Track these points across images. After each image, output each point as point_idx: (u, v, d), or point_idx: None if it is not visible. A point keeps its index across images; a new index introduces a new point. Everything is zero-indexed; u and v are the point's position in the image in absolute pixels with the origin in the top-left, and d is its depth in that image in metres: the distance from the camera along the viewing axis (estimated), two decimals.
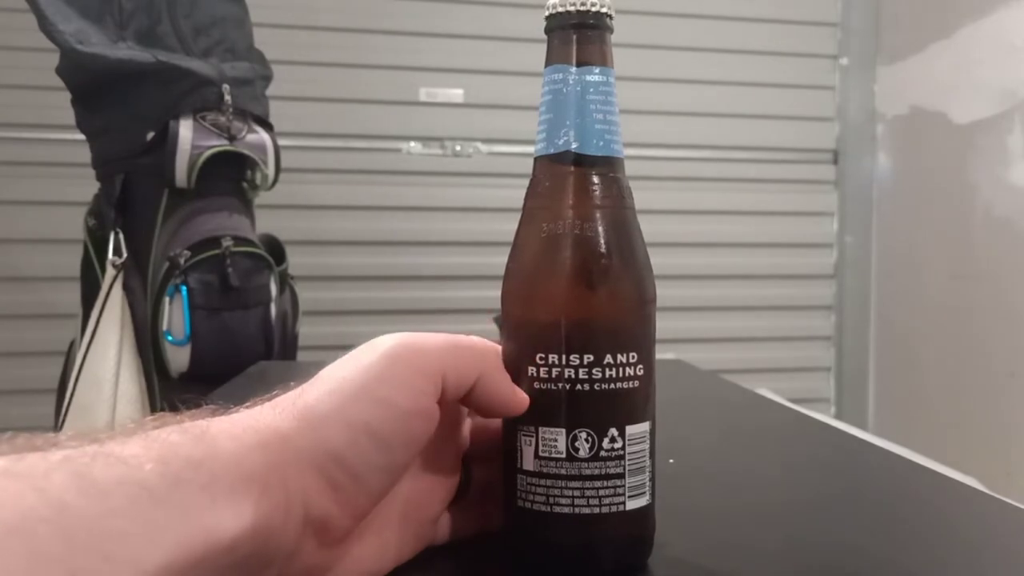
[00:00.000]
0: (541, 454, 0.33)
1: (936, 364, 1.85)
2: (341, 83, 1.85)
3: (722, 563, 0.34)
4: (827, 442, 0.63)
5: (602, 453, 0.33)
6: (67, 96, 1.14)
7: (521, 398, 0.33)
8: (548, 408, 0.33)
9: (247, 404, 0.30)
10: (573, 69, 0.34)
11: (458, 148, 1.89)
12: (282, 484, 0.27)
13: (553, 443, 0.33)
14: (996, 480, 1.48)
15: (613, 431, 0.33)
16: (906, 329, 1.97)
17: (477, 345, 0.33)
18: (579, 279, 0.34)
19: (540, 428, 0.33)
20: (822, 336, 2.13)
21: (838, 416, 2.07)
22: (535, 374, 0.33)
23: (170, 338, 1.05)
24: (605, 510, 0.33)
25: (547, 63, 0.35)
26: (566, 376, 0.33)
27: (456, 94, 1.89)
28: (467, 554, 0.36)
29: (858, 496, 0.48)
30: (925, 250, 1.90)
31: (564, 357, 0.33)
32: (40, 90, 1.45)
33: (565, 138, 0.34)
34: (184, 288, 1.05)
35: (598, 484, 0.33)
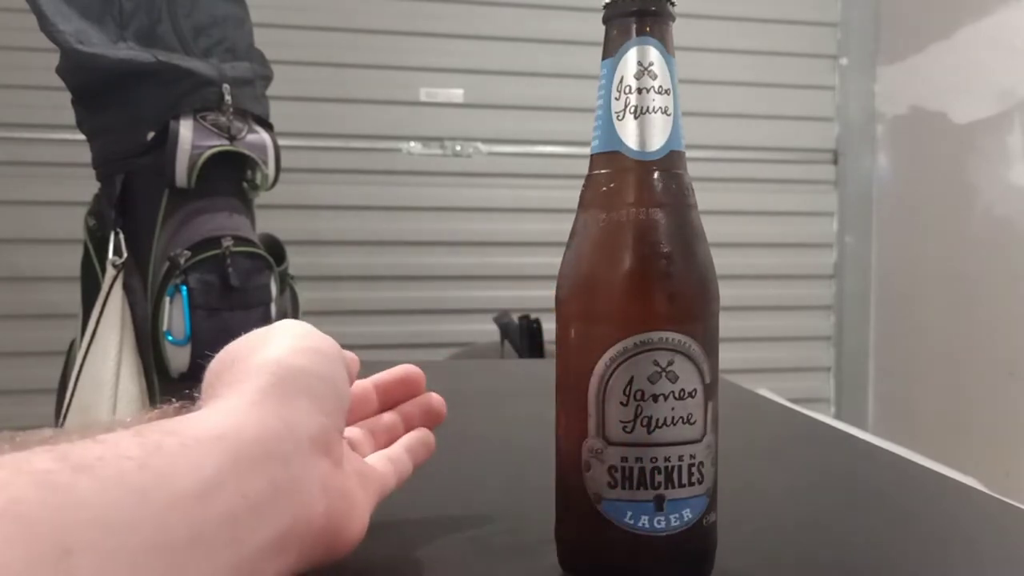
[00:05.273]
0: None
1: (936, 364, 1.85)
2: (341, 83, 1.85)
3: (722, 563, 0.34)
4: (827, 442, 0.63)
5: None
6: (67, 96, 1.14)
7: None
8: None
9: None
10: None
11: (458, 148, 1.89)
12: (276, 415, 0.29)
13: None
14: (996, 480, 1.48)
15: None
16: (906, 329, 1.97)
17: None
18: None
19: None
20: (822, 336, 2.13)
21: (838, 416, 2.08)
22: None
23: (170, 338, 1.05)
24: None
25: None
26: None
27: (456, 94, 1.89)
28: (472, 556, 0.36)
29: (858, 496, 0.48)
30: (925, 250, 1.90)
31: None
32: (40, 90, 1.45)
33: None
34: (184, 288, 1.05)
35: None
